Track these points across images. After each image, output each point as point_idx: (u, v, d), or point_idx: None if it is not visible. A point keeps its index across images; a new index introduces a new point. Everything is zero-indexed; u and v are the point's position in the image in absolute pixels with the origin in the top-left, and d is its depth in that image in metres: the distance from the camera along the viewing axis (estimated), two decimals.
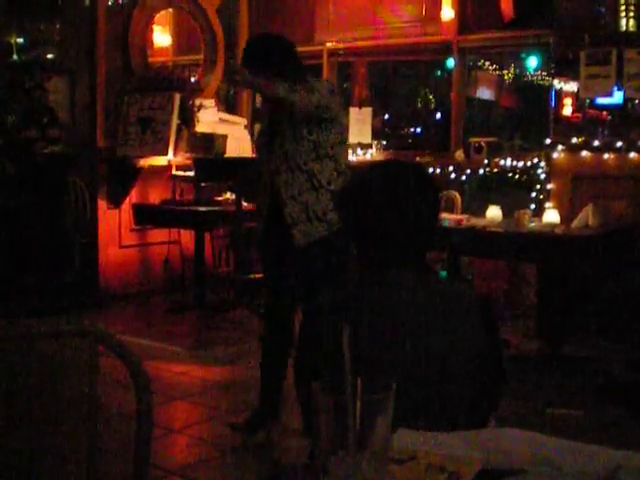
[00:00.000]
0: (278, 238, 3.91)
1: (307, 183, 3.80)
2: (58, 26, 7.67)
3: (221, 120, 7.41)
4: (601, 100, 5.90)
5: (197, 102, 7.29)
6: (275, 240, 3.95)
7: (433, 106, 9.55)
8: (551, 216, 5.55)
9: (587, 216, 5.45)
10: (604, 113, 5.96)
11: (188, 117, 7.19)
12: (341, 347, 1.03)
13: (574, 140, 5.89)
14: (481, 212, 5.86)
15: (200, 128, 7.14)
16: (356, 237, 2.06)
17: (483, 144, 6.59)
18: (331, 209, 3.80)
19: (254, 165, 4.51)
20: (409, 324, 1.92)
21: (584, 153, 5.85)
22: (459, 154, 6.75)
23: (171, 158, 7.07)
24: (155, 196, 7.38)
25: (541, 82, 8.49)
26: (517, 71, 9.13)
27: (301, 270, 3.91)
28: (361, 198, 2.01)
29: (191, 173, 6.97)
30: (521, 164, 6.40)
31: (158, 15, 7.94)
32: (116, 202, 7.26)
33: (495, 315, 2.04)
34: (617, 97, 5.74)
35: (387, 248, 1.99)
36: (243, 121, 7.81)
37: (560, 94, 6.06)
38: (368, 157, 7.54)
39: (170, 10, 8.21)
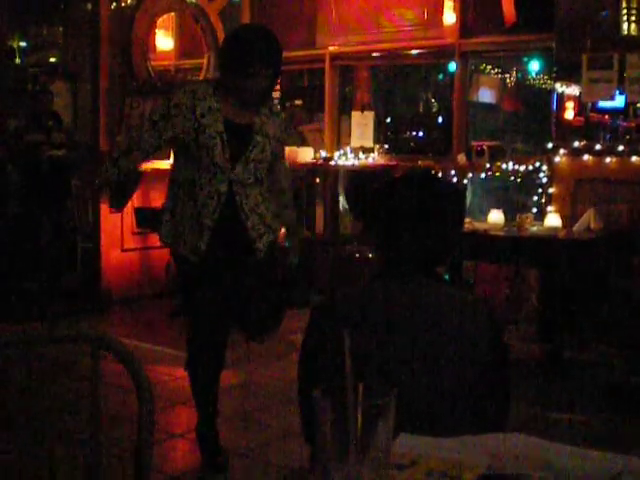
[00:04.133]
0: (229, 251, 3.66)
1: (260, 196, 3.67)
2: (61, 30, 7.69)
3: None
4: (603, 104, 5.90)
5: None
6: (225, 254, 3.64)
7: (435, 110, 9.55)
8: (553, 220, 5.55)
9: (589, 220, 5.45)
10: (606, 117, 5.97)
11: None
12: (343, 354, 1.03)
13: (576, 144, 5.89)
14: (483, 216, 5.87)
15: None
16: (377, 243, 2.10)
17: (485, 148, 6.59)
18: (273, 217, 3.73)
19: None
20: (414, 330, 1.92)
21: (586, 157, 5.85)
22: (461, 158, 6.74)
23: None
24: (157, 199, 7.38)
25: (543, 86, 8.48)
26: (519, 75, 9.13)
27: (260, 280, 3.78)
28: (385, 205, 2.07)
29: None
30: (523, 168, 6.40)
31: (160, 19, 7.95)
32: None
33: (499, 323, 2.05)
34: (619, 101, 5.74)
35: (401, 256, 2.03)
36: None
37: (562, 98, 6.06)
38: (370, 161, 7.54)
39: (172, 14, 8.22)
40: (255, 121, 3.63)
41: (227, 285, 3.68)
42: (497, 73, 9.05)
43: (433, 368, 1.90)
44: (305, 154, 7.71)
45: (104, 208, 7.21)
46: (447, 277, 5.69)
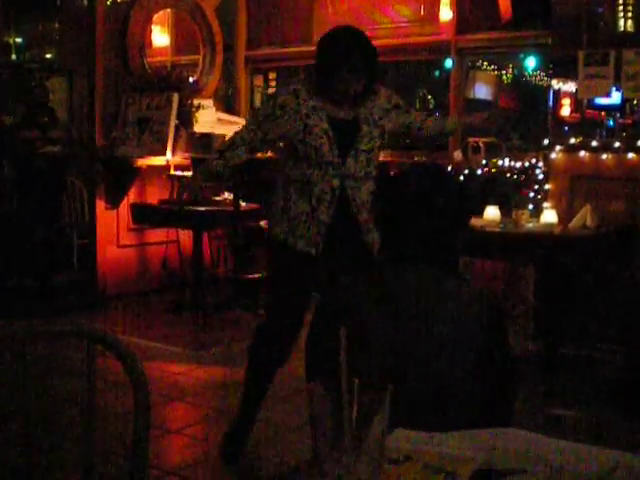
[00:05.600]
0: (343, 246, 3.64)
1: (370, 188, 3.64)
2: (57, 26, 7.68)
3: (219, 120, 7.41)
4: (600, 100, 5.90)
5: (195, 102, 7.29)
6: (340, 249, 3.63)
7: (431, 106, 9.55)
8: (549, 216, 5.55)
9: (585, 216, 5.45)
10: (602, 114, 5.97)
11: (186, 117, 7.19)
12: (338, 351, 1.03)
13: (572, 140, 5.89)
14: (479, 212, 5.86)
15: (198, 128, 7.14)
16: (382, 231, 2.13)
17: (481, 144, 6.59)
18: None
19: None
20: (416, 317, 1.94)
21: (582, 153, 5.85)
22: (457, 154, 6.74)
23: (169, 158, 7.07)
24: (153, 196, 7.38)
25: (539, 82, 8.48)
26: (515, 71, 9.13)
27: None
28: (391, 194, 2.11)
29: (189, 173, 6.97)
30: (519, 164, 6.40)
31: (157, 15, 7.93)
32: (114, 202, 7.26)
33: (502, 313, 2.06)
34: (615, 97, 5.74)
35: (405, 245, 2.05)
36: (241, 121, 7.80)
37: (558, 94, 6.06)
38: None
39: (169, 10, 8.21)
40: (360, 112, 3.65)
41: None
42: (493, 69, 9.05)
43: (435, 354, 1.91)
44: None
45: (100, 204, 7.20)
46: None
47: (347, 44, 3.55)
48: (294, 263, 3.65)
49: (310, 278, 3.66)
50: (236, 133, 3.75)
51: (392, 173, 2.25)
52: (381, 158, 7.48)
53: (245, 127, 3.74)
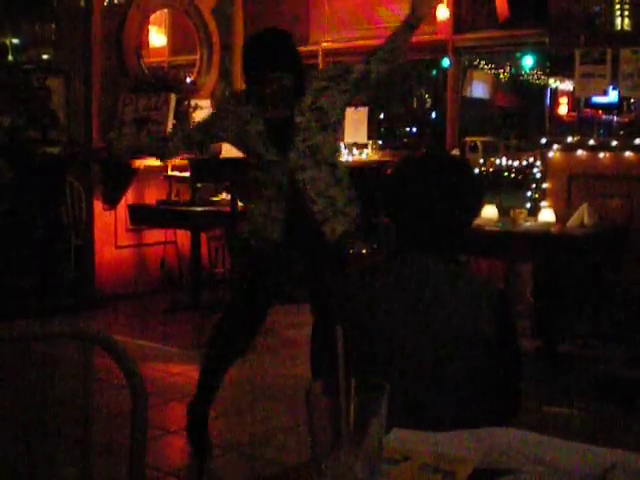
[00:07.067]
0: (302, 239, 3.70)
1: (331, 177, 3.65)
2: (53, 27, 7.66)
3: None
4: (597, 99, 5.90)
5: (193, 103, 7.28)
6: (298, 242, 3.70)
7: (428, 106, 9.56)
8: (547, 215, 5.55)
9: (582, 215, 5.45)
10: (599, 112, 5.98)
11: (184, 117, 7.18)
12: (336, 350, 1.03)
13: (570, 139, 5.90)
14: None
15: None
16: (392, 219, 2.13)
17: (479, 143, 6.59)
18: (348, 202, 3.70)
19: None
20: (421, 308, 1.94)
21: (579, 152, 5.85)
22: (454, 153, 6.75)
23: None
24: (151, 196, 7.38)
25: (536, 81, 8.49)
26: (513, 70, 9.14)
27: (328, 267, 3.70)
28: (399, 182, 2.12)
29: (187, 173, 6.97)
30: (517, 163, 6.41)
31: (153, 15, 7.93)
32: (112, 203, 7.25)
33: (510, 303, 2.06)
34: (612, 96, 5.74)
35: (410, 231, 2.06)
36: None
37: (555, 93, 6.06)
38: (364, 157, 7.53)
39: (165, 10, 8.20)
40: (295, 106, 3.64)
41: (298, 272, 3.83)
42: (491, 68, 9.06)
43: (442, 343, 1.90)
44: None
45: (98, 205, 7.20)
46: None
47: (258, 44, 3.63)
48: (253, 262, 3.80)
49: (269, 276, 3.76)
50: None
51: (403, 160, 2.24)
52: (377, 158, 7.51)
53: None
